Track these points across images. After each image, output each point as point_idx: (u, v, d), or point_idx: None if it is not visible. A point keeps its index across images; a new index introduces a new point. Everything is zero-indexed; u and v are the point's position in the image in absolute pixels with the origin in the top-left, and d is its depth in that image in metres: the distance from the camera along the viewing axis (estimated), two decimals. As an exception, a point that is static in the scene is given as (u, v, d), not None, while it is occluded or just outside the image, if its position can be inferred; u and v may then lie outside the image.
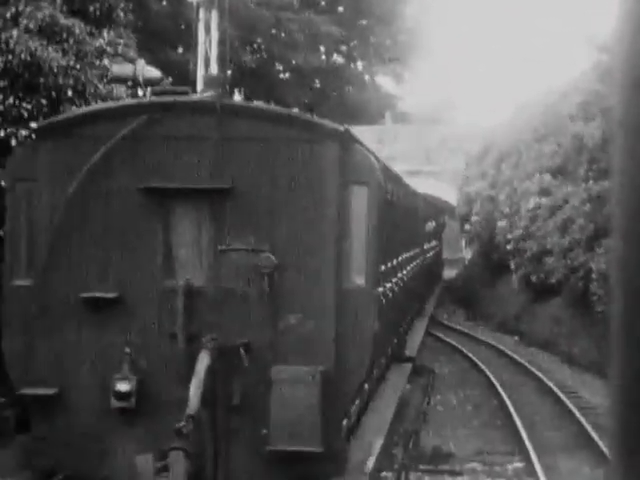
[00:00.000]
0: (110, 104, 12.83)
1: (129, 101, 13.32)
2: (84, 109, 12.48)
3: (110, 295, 10.19)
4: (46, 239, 10.29)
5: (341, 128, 10.52)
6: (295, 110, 18.23)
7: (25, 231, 10.51)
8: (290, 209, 10.16)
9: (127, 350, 10.05)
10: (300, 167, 10.18)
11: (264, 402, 9.68)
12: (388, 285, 12.62)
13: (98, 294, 10.20)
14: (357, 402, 11.50)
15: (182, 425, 9.04)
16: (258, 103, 13.82)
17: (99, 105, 13.04)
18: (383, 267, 11.91)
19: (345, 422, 10.54)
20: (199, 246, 10.33)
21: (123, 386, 9.95)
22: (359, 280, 10.29)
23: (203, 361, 9.51)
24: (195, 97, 11.01)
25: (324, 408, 9.70)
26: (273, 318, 10.05)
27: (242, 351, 9.80)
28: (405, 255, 17.28)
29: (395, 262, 14.49)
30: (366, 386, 12.03)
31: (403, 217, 17.02)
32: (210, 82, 11.32)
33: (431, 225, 32.21)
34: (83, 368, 10.21)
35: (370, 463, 10.79)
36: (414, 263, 20.31)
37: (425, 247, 27.18)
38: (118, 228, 10.29)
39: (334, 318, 10.04)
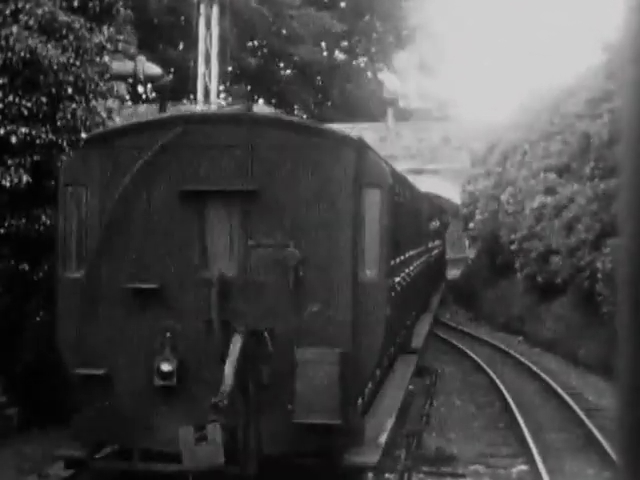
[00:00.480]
0: (151, 118, 14.51)
1: (168, 114, 15.39)
2: (128, 122, 14.30)
3: (152, 286, 11.45)
4: (94, 237, 11.67)
5: (356, 137, 11.86)
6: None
7: (75, 230, 11.85)
8: (311, 209, 11.41)
9: (168, 334, 11.31)
10: (320, 171, 11.44)
11: (290, 380, 10.80)
12: (397, 279, 13.70)
13: (141, 285, 11.45)
14: (370, 385, 12.86)
15: (218, 400, 10.35)
16: (282, 114, 15.24)
17: (142, 119, 14.35)
18: (393, 262, 12.98)
19: (360, 401, 11.95)
20: (230, 242, 11.61)
21: (165, 366, 11.23)
22: (373, 273, 11.53)
23: (236, 344, 10.84)
24: (226, 110, 12.56)
25: (342, 386, 10.87)
26: (297, 306, 11.29)
27: (267, 335, 11.07)
28: (411, 253, 18.34)
29: (402, 258, 15.54)
30: (377, 372, 13.29)
31: (409, 217, 18.20)
32: (238, 96, 12.75)
33: (435, 224, 32.66)
34: (129, 351, 11.42)
35: (383, 438, 12.01)
36: (419, 261, 21.37)
37: (429, 246, 28.10)
38: (159, 226, 11.59)
39: (351, 306, 11.29)
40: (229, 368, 10.62)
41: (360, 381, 11.60)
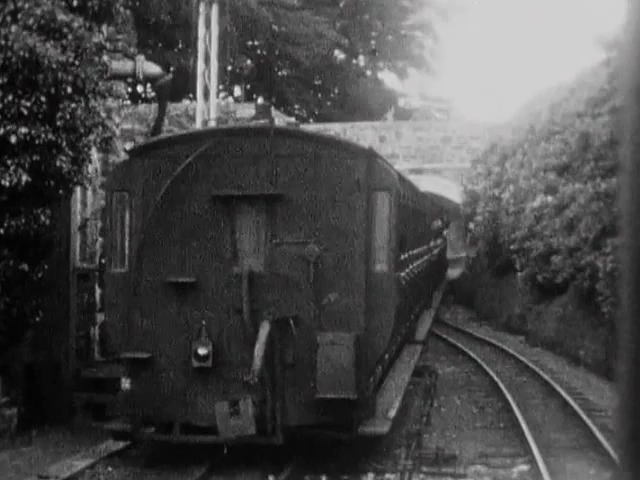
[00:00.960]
0: (187, 131, 16.55)
1: (202, 128, 17.38)
2: (165, 135, 15.84)
3: (189, 280, 12.94)
4: (137, 236, 13.11)
5: (367, 147, 13.76)
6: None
7: (120, 230, 13.29)
8: (329, 210, 12.94)
9: (203, 322, 12.80)
10: (336, 177, 12.97)
11: (311, 361, 12.43)
12: (403, 273, 15.06)
13: (180, 279, 12.95)
14: (380, 367, 14.24)
15: (249, 379, 12.11)
16: (303, 127, 17.03)
17: (178, 132, 16.00)
18: (400, 258, 14.39)
19: (372, 379, 13.34)
20: (258, 240, 13.11)
21: (202, 350, 12.73)
22: (383, 266, 13.01)
23: (264, 330, 12.41)
24: (252, 123, 13.93)
25: (357, 365, 12.40)
26: (317, 296, 12.81)
27: (291, 322, 12.66)
28: (415, 251, 19.71)
29: (408, 255, 16.91)
30: (387, 356, 14.68)
31: (414, 217, 19.60)
32: (263, 111, 14.52)
33: (436, 224, 33.50)
34: (169, 337, 12.90)
35: (392, 413, 13.52)
36: (422, 259, 22.73)
37: (431, 244, 29.27)
38: (194, 227, 13.06)
39: (364, 296, 12.79)
40: (258, 350, 12.22)
41: (373, 361, 13.08)
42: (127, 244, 13.23)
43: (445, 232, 42.62)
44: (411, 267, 17.40)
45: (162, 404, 12.87)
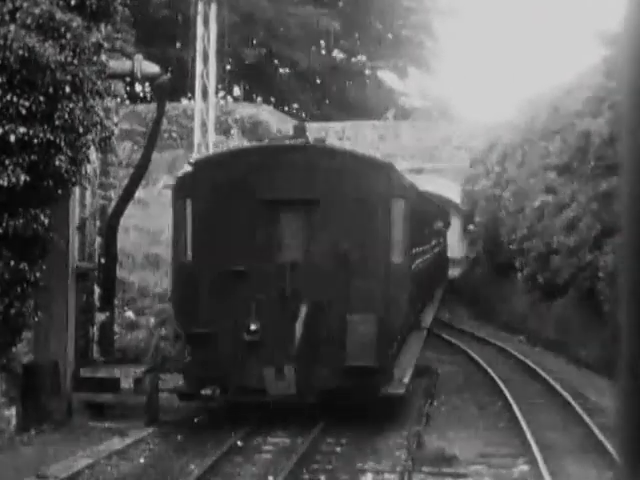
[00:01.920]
0: (238, 148, 20.17)
1: (250, 145, 21.44)
2: (221, 151, 19.20)
3: (242, 268, 15.61)
4: (199, 233, 15.96)
5: (387, 162, 16.93)
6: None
7: (186, 228, 16.09)
8: (356, 212, 15.66)
9: (253, 303, 15.43)
10: (362, 186, 15.73)
11: (341, 336, 15.19)
12: (413, 265, 18.15)
13: (234, 268, 15.59)
14: (395, 343, 17.05)
15: (291, 349, 14.92)
16: (334, 145, 21.27)
17: (231, 148, 19.87)
18: (412, 252, 17.33)
19: (390, 352, 16.27)
20: (297, 236, 15.82)
21: (253, 326, 15.37)
22: (399, 258, 15.87)
23: (303, 310, 15.25)
24: (291, 142, 16.85)
25: (378, 340, 15.26)
26: (346, 283, 15.54)
27: (325, 304, 15.41)
28: (421, 248, 22.74)
29: (416, 251, 19.83)
30: (399, 337, 17.50)
31: (421, 219, 22.43)
32: (300, 131, 17.36)
33: (439, 225, 35.33)
34: (226, 315, 15.46)
35: (406, 379, 16.47)
36: (427, 255, 25.96)
37: (433, 243, 31.50)
38: (246, 226, 15.76)
39: (384, 282, 15.53)
40: (298, 327, 15.08)
41: (390, 337, 16.02)
42: (190, 239, 16.07)
43: (446, 232, 42.96)
44: (418, 261, 20.67)
45: (219, 371, 15.54)
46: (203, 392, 16.12)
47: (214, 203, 15.94)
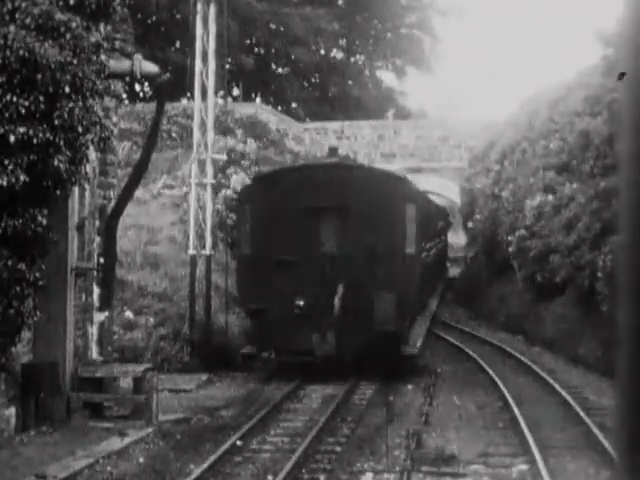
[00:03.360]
0: (286, 167, 26.48)
1: (295, 164, 27.16)
2: (273, 168, 25.83)
3: (292, 258, 20.28)
4: (257, 231, 20.85)
5: (402, 175, 22.46)
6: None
7: (246, 227, 21.21)
8: (378, 215, 20.37)
9: (301, 284, 20.10)
10: (382, 194, 20.46)
11: (369, 309, 19.93)
12: (422, 256, 23.46)
13: (286, 257, 20.30)
14: (409, 317, 22.32)
15: (332, 319, 19.68)
16: (359, 163, 27.88)
17: (281, 167, 26.08)
18: (421, 245, 22.49)
19: (406, 322, 21.58)
20: (334, 233, 20.62)
21: (300, 302, 19.99)
22: (412, 250, 20.68)
23: (340, 289, 19.98)
24: (327, 160, 22.74)
25: (397, 312, 20.11)
26: (371, 269, 20.19)
27: (356, 285, 19.97)
28: (427, 244, 27.25)
29: (423, 246, 24.39)
30: (412, 310, 22.60)
31: (427, 220, 26.78)
32: (333, 151, 23.14)
33: (441, 224, 38.24)
34: (279, 294, 20.07)
35: (418, 344, 22.18)
36: (432, 251, 30.45)
37: (436, 241, 35.03)
38: (294, 225, 20.49)
39: (400, 268, 20.31)
40: (337, 302, 19.85)
41: (405, 310, 20.90)
42: (250, 236, 21.03)
43: (447, 230, 43.95)
44: (425, 255, 25.45)
45: (274, 337, 20.33)
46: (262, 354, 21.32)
47: (267, 209, 20.81)
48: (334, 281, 20.08)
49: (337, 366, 19.89)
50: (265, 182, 21.65)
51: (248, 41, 52.28)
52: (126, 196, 17.73)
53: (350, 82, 57.60)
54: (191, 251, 23.57)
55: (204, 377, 21.14)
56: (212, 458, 12.88)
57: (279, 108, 48.83)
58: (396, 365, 20.54)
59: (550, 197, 26.91)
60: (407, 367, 20.84)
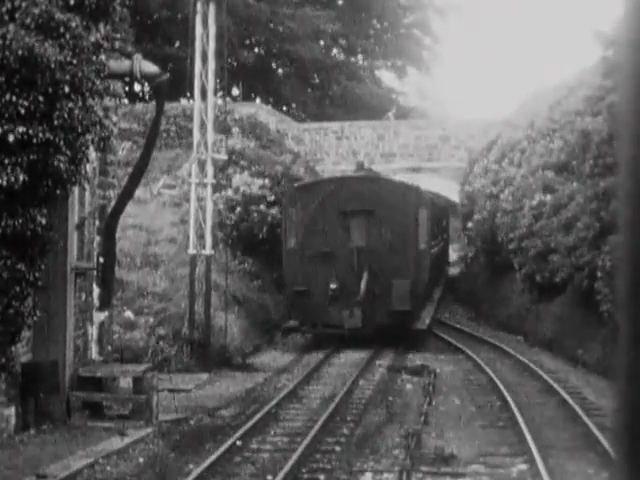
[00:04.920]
0: (323, 178, 31.83)
1: (331, 176, 31.16)
2: (313, 179, 31.48)
3: (328, 250, 25.73)
4: (301, 229, 26.19)
5: (415, 185, 27.85)
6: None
7: (292, 226, 26.52)
8: (396, 217, 25.65)
9: (334, 271, 25.51)
10: (400, 200, 25.95)
11: (388, 292, 25.16)
12: (431, 250, 29.23)
13: (324, 250, 25.74)
14: (420, 299, 27.49)
15: (358, 299, 24.76)
16: (382, 175, 30.98)
17: (318, 179, 31.59)
18: (431, 242, 28.60)
19: (418, 303, 26.82)
20: (361, 231, 25.89)
21: (333, 286, 25.31)
22: (424, 245, 26.65)
23: (365, 275, 25.22)
24: (357, 174, 28.74)
25: (411, 294, 25.34)
26: (391, 260, 25.40)
27: (378, 272, 25.16)
28: (434, 242, 32.28)
29: (432, 242, 29.98)
30: (422, 294, 27.89)
31: (434, 220, 32.46)
32: (360, 166, 29.87)
33: (443, 223, 41.85)
34: (317, 279, 25.63)
35: (427, 321, 27.43)
36: (437, 247, 35.23)
37: (439, 239, 38.84)
38: (330, 225, 25.84)
39: (414, 260, 25.82)
40: (362, 285, 25.11)
41: (417, 293, 26.39)
42: (294, 234, 26.53)
43: (448, 230, 45.46)
44: (432, 250, 30.36)
45: (312, 314, 25.73)
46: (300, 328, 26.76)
47: (309, 211, 26.34)
48: (361, 269, 25.63)
49: (362, 337, 25.04)
50: (307, 190, 27.29)
51: (248, 41, 52.23)
52: (126, 196, 17.72)
53: (350, 82, 57.55)
54: (191, 251, 23.58)
55: (204, 377, 21.14)
56: (213, 458, 12.88)
57: (279, 108, 48.82)
58: (409, 337, 25.92)
59: (549, 197, 26.91)
60: (418, 339, 26.36)
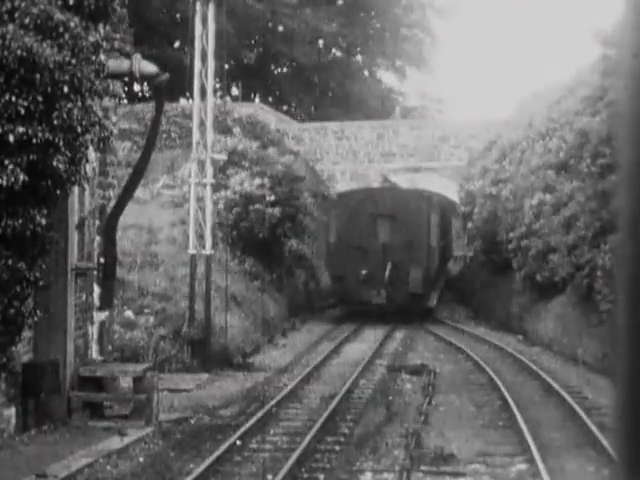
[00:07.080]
0: (358, 188, 39.52)
1: (365, 187, 38.41)
2: (350, 189, 39.32)
3: (360, 245, 34.11)
4: (338, 228, 36.40)
5: (429, 194, 38.34)
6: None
7: (332, 225, 37.62)
8: (413, 220, 34.51)
9: (365, 262, 33.83)
10: (416, 206, 35.22)
11: (406, 278, 33.82)
12: (439, 246, 40.25)
13: (361, 245, 34.11)
14: (430, 285, 37.06)
15: (383, 283, 34.02)
16: (403, 187, 38.85)
17: (354, 187, 39.30)
18: (440, 240, 40.67)
19: (428, 288, 36.67)
20: (386, 231, 34.65)
21: (364, 271, 33.86)
22: (434, 242, 37.73)
23: (389, 265, 34.05)
24: (384, 185, 38.45)
25: (423, 281, 34.42)
26: (408, 253, 33.91)
27: (399, 263, 33.85)
28: (441, 239, 40.48)
29: (440, 240, 39.45)
30: (432, 281, 37.31)
31: (440, 221, 40.42)
32: (386, 180, 39.28)
33: (445, 223, 45.77)
34: (351, 266, 33.84)
35: (434, 302, 39.14)
36: (443, 243, 42.62)
37: (445, 237, 45.89)
38: (364, 225, 34.50)
39: (426, 253, 35.23)
40: (387, 273, 33.70)
41: (428, 280, 35.52)
42: (333, 232, 36.32)
43: (450, 229, 48.91)
44: (440, 245, 38.99)
45: (347, 293, 34.06)
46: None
47: (346, 213, 35.03)
48: (385, 260, 33.59)
49: (386, 313, 33.16)
50: (345, 197, 36.98)
51: (247, 41, 52.21)
52: (126, 196, 17.72)
53: (350, 82, 57.52)
54: (191, 251, 23.58)
55: (204, 377, 21.14)
56: (213, 457, 12.88)
57: (279, 108, 48.82)
58: (421, 313, 34.43)
59: (549, 196, 26.91)
60: (428, 315, 35.42)
